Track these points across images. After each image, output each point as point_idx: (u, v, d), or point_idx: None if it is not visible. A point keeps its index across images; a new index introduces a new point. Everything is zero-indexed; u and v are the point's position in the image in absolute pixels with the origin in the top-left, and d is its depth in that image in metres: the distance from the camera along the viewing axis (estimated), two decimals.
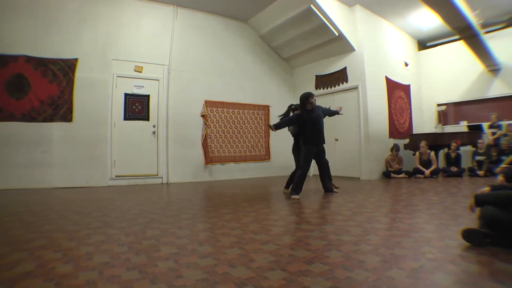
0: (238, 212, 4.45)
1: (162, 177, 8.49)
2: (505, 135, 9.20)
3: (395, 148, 9.12)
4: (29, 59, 7.13)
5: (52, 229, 3.50)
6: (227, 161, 9.60)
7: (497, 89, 10.23)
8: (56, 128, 7.37)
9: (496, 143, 9.30)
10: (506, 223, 2.59)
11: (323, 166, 6.26)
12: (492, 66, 10.12)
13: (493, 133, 9.59)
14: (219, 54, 9.67)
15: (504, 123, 9.57)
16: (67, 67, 7.48)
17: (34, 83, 7.16)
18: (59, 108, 7.38)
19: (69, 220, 3.95)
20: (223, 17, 9.78)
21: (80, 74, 7.61)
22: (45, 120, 7.26)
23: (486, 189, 3.04)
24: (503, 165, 6.32)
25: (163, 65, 8.69)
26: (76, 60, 7.58)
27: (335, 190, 6.31)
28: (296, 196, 5.60)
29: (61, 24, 7.50)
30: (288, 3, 8.71)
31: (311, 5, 8.27)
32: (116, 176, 7.96)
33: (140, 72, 8.34)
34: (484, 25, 9.17)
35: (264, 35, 10.38)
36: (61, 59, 7.44)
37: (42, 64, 7.24)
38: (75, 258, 2.55)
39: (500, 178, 3.43)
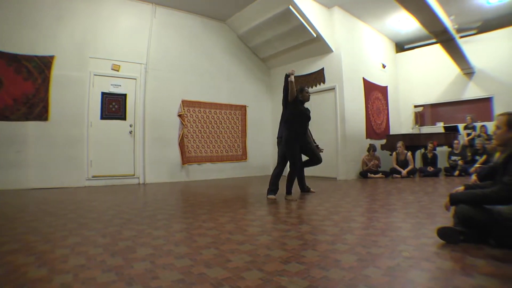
0: (214, 212, 4.42)
1: (138, 177, 8.40)
2: (479, 136, 9.44)
3: (372, 148, 9.22)
4: None
5: (26, 231, 3.40)
6: (203, 161, 9.56)
7: (472, 91, 10.51)
8: (31, 127, 7.18)
9: (471, 143, 9.53)
10: (478, 220, 2.65)
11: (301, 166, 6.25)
12: (467, 69, 10.39)
13: (468, 134, 9.83)
14: (196, 54, 9.62)
15: (479, 124, 9.83)
16: (43, 64, 7.29)
17: (6, 80, 6.93)
18: (34, 106, 7.19)
19: (44, 222, 3.84)
20: (201, 16, 9.73)
21: (56, 72, 7.43)
22: (19, 119, 7.05)
23: (460, 188, 3.09)
24: (476, 165, 6.46)
25: (141, 64, 8.58)
26: (52, 57, 7.40)
27: (311, 190, 6.33)
28: (272, 196, 5.53)
29: (36, 20, 7.30)
30: (267, 4, 8.72)
31: (290, 6, 8.30)
32: (93, 177, 7.83)
33: (118, 70, 8.22)
34: (458, 30, 9.38)
35: (242, 35, 10.38)
36: (37, 56, 7.24)
37: (15, 60, 7.01)
38: (49, 261, 2.47)
39: (474, 178, 3.50)
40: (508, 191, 2.48)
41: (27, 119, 7.12)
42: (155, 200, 5.76)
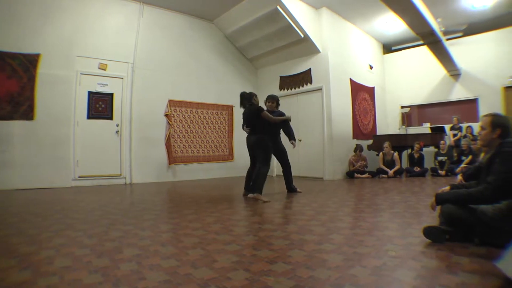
0: (201, 212, 4.40)
1: (125, 178, 8.33)
2: (465, 136, 9.55)
3: (358, 148, 9.28)
4: None
5: (9, 233, 3.33)
6: (190, 161, 9.54)
7: (458, 92, 10.66)
8: (16, 126, 7.05)
9: (457, 144, 9.65)
10: (463, 219, 2.69)
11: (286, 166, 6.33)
12: (454, 71, 10.52)
13: (454, 135, 9.96)
14: (183, 53, 9.59)
15: (465, 125, 9.95)
16: (28, 63, 7.16)
17: None
18: (19, 105, 7.06)
19: (29, 223, 3.78)
20: (189, 16, 9.71)
21: (42, 71, 7.32)
22: (3, 118, 6.91)
23: (446, 188, 3.13)
24: (462, 165, 6.52)
25: (128, 63, 8.52)
26: (38, 55, 7.28)
27: (298, 190, 6.38)
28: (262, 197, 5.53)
29: (21, 16, 7.16)
30: (255, 4, 8.71)
31: (278, 6, 8.30)
32: (79, 177, 7.75)
33: (105, 69, 8.15)
34: (445, 33, 9.49)
35: (229, 35, 10.37)
36: (22, 54, 7.11)
37: None
38: (34, 263, 2.41)
39: (459, 178, 3.53)
40: (492, 190, 2.52)
41: (12, 118, 6.99)
42: (142, 200, 5.71)
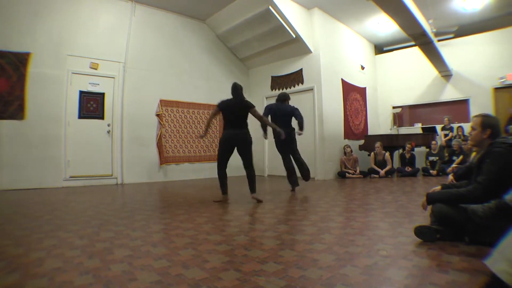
0: (192, 212, 4.39)
1: (117, 178, 8.29)
2: (455, 136, 9.61)
3: (348, 147, 9.38)
4: None
5: None
6: (181, 161, 9.52)
7: (449, 93, 10.74)
8: (5, 126, 6.96)
9: (448, 144, 9.70)
10: (454, 219, 2.72)
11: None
12: (445, 72, 10.59)
13: (446, 135, 10.02)
14: (175, 53, 9.58)
15: (456, 125, 10.02)
16: (18, 61, 7.07)
17: None
18: (9, 104, 6.97)
19: (18, 225, 3.73)
20: (180, 15, 9.69)
21: (33, 69, 7.23)
22: None
23: (437, 188, 3.15)
24: (453, 165, 6.56)
25: (119, 62, 8.48)
26: (28, 54, 7.19)
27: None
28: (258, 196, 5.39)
29: (11, 14, 7.08)
30: (246, 4, 8.72)
31: (269, 7, 8.32)
32: (71, 177, 7.69)
33: (96, 69, 8.10)
34: (436, 34, 9.55)
35: (221, 35, 10.36)
36: (11, 52, 7.02)
37: None
38: (22, 265, 2.37)
39: (450, 177, 3.55)
40: (482, 190, 2.55)
41: (1, 117, 6.91)
42: (133, 200, 5.69)
